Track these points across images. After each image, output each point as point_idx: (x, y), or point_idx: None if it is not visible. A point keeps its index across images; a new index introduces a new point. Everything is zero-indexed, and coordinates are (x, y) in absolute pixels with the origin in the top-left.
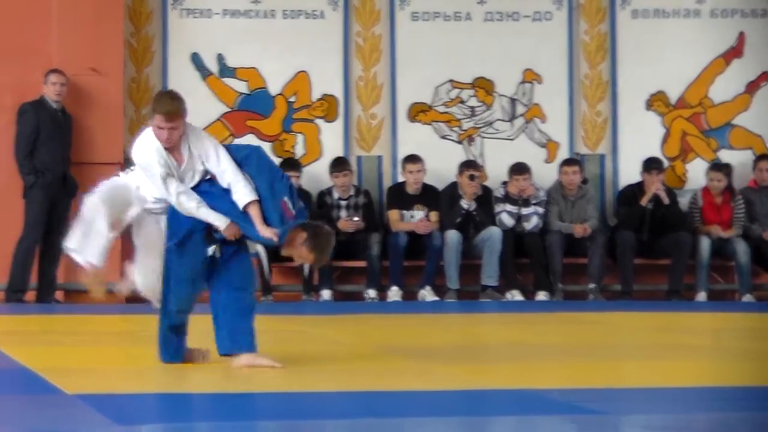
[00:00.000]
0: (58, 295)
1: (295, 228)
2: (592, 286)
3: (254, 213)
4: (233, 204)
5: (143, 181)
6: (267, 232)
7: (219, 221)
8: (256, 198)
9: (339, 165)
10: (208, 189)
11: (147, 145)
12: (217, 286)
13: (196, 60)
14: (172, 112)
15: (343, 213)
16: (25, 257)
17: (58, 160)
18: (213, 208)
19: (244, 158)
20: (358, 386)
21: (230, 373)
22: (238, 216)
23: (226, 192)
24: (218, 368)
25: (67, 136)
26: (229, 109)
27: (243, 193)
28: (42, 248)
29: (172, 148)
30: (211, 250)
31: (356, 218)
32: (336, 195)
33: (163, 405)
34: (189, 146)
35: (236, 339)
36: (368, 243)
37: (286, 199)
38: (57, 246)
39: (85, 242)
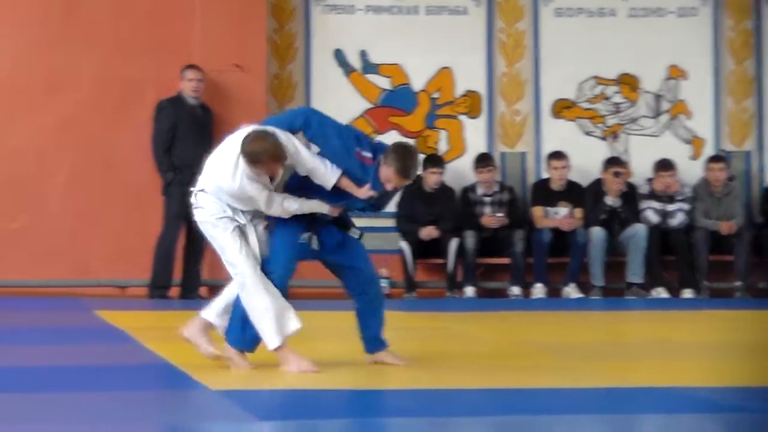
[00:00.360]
0: (202, 291)
1: (379, 166)
2: (738, 283)
3: (345, 184)
4: (321, 187)
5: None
6: (363, 193)
7: (321, 207)
8: (341, 171)
9: (483, 161)
10: (294, 183)
11: (241, 178)
12: (352, 287)
13: (339, 56)
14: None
15: (487, 209)
16: (166, 254)
17: (197, 156)
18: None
19: (303, 125)
20: (501, 383)
21: (369, 369)
22: (332, 196)
23: (306, 178)
24: (357, 365)
25: (206, 132)
26: (372, 106)
27: (327, 174)
28: (185, 245)
29: None
30: (305, 236)
31: (500, 214)
32: (480, 191)
33: (304, 401)
34: None
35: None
36: (512, 240)
37: (358, 149)
38: (199, 242)
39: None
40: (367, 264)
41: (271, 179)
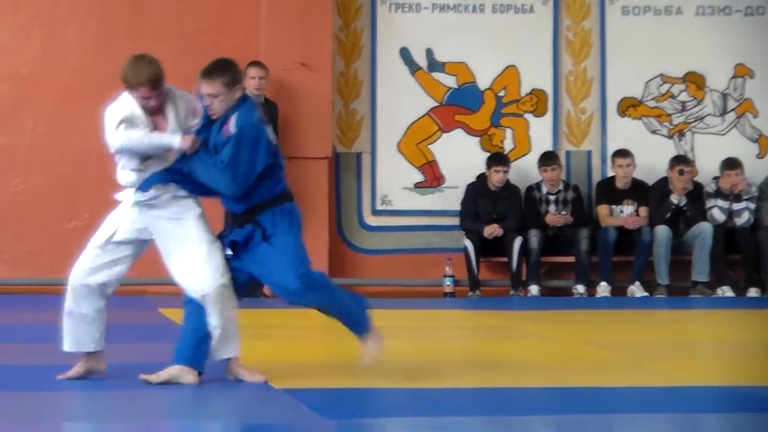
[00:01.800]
0: (266, 290)
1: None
2: None
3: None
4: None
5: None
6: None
7: (170, 139)
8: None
9: (548, 159)
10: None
11: (122, 107)
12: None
13: (405, 54)
14: (157, 77)
15: (552, 207)
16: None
17: None
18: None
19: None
20: (566, 382)
21: (432, 368)
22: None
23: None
24: (420, 363)
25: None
26: (438, 104)
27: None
28: None
29: (153, 112)
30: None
31: (564, 212)
32: (545, 189)
33: (367, 399)
34: (173, 108)
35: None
36: (577, 238)
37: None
38: None
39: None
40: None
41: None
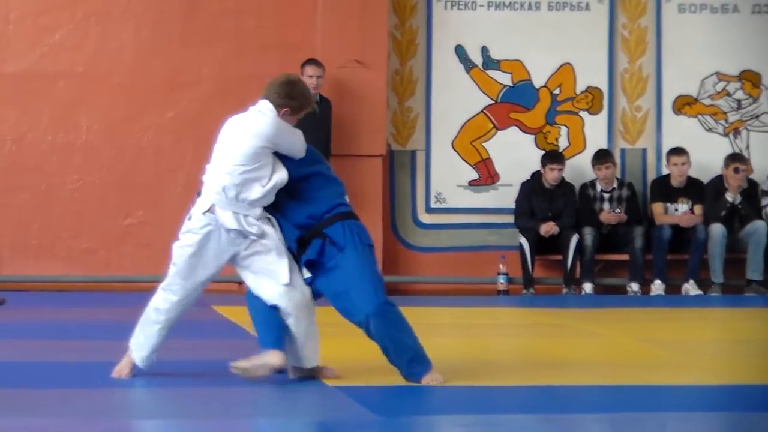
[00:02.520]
0: None
1: None
2: None
3: None
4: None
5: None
6: None
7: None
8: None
9: (602, 157)
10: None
11: (278, 123)
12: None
13: (460, 52)
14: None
15: (606, 205)
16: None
17: None
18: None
19: None
20: (619, 380)
21: (486, 365)
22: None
23: None
24: (473, 361)
25: (324, 128)
26: (493, 101)
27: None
28: None
29: None
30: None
31: (618, 210)
32: (599, 187)
33: (420, 397)
34: None
35: None
36: (631, 236)
37: None
38: None
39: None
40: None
41: None
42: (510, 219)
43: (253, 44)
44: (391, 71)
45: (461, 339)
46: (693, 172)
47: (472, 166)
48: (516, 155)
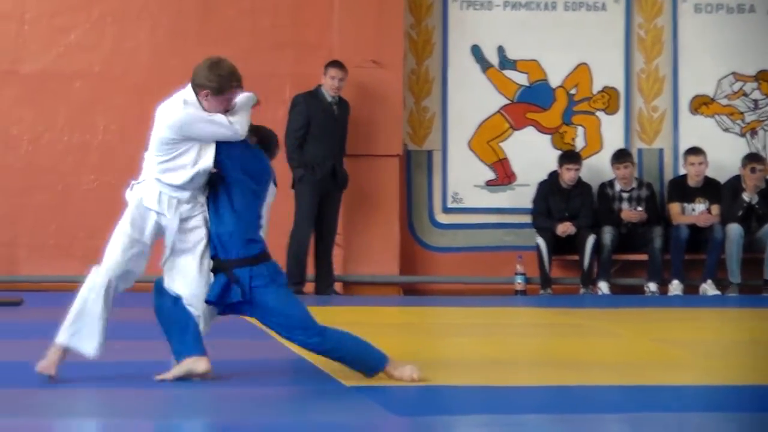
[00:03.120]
0: (337, 287)
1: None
2: None
3: None
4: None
5: (167, 174)
6: None
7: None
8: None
9: (621, 157)
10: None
11: (189, 105)
12: None
13: (476, 52)
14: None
15: (625, 205)
16: (297, 250)
17: (329, 153)
18: None
19: None
20: (637, 380)
21: (503, 365)
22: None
23: None
24: (492, 361)
25: (341, 128)
26: (509, 102)
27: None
28: (315, 240)
29: None
30: None
31: (639, 209)
32: (618, 187)
33: (438, 397)
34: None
35: None
36: (651, 236)
37: None
38: (330, 238)
39: (80, 328)
40: None
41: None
42: (527, 219)
43: (269, 44)
44: (407, 71)
45: (478, 339)
46: (710, 172)
47: (488, 166)
48: (532, 155)
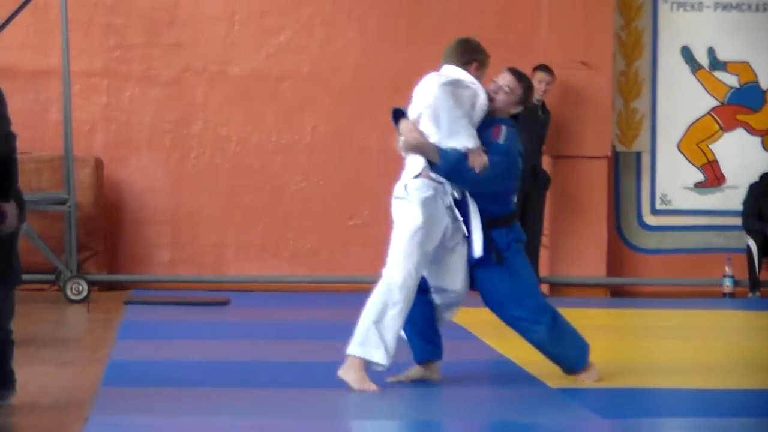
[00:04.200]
0: (543, 288)
1: None
2: None
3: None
4: None
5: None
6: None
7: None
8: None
9: None
10: None
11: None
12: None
13: (686, 53)
14: None
15: None
16: None
17: (530, 154)
18: None
19: None
20: None
21: (712, 368)
22: None
23: None
24: (699, 363)
25: (542, 130)
26: (719, 103)
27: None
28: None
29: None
30: None
31: None
32: None
33: (644, 399)
34: None
35: None
36: None
37: None
38: (535, 239)
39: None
40: None
41: None
42: (736, 221)
43: None
44: (616, 72)
45: (686, 341)
46: None
47: (697, 168)
48: (742, 157)
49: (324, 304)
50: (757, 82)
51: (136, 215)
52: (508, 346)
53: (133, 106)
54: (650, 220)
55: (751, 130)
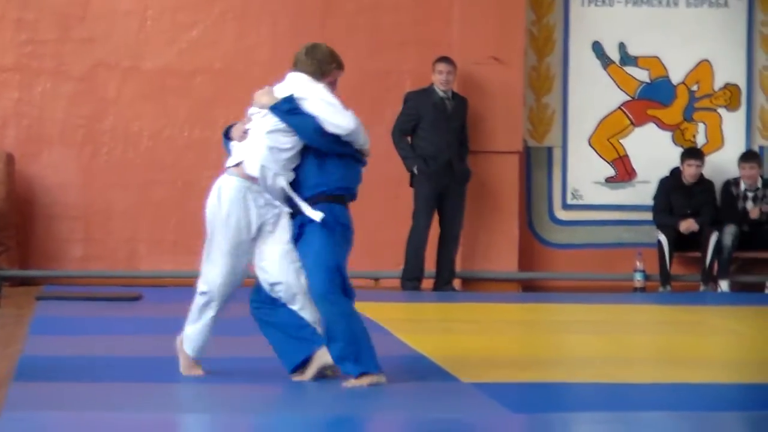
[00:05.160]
0: (456, 283)
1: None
2: None
3: None
4: None
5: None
6: None
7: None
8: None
9: (749, 158)
10: None
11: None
12: None
13: (597, 49)
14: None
15: (749, 204)
16: (416, 245)
17: (443, 148)
18: None
19: None
20: (758, 378)
21: (624, 362)
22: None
23: None
24: (611, 358)
25: (454, 123)
26: (630, 98)
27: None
28: (440, 236)
29: None
30: None
31: (766, 207)
32: (743, 185)
33: (558, 394)
34: None
35: None
36: None
37: None
38: (452, 234)
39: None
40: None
41: None
42: (646, 216)
43: (390, 41)
44: (527, 68)
45: (596, 336)
46: None
47: (608, 163)
48: (653, 152)
49: (237, 298)
50: (667, 77)
51: (48, 210)
52: (420, 340)
53: (44, 101)
54: (561, 214)
55: (661, 125)
